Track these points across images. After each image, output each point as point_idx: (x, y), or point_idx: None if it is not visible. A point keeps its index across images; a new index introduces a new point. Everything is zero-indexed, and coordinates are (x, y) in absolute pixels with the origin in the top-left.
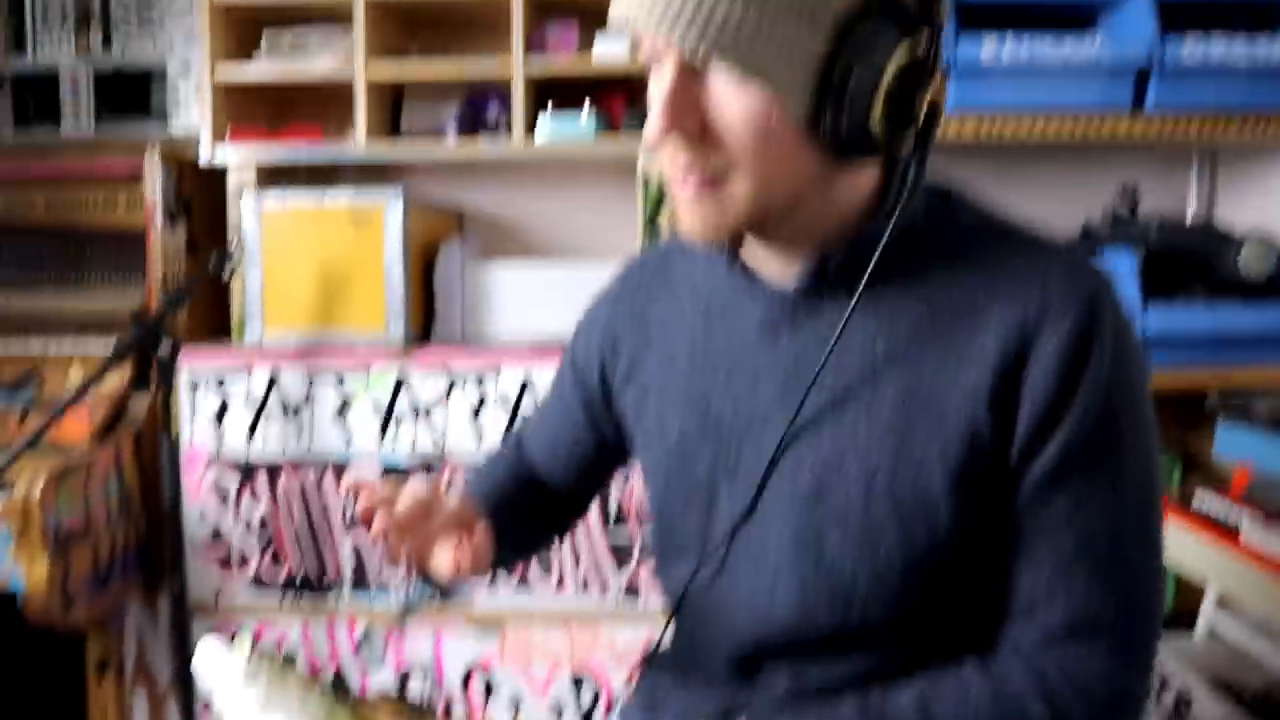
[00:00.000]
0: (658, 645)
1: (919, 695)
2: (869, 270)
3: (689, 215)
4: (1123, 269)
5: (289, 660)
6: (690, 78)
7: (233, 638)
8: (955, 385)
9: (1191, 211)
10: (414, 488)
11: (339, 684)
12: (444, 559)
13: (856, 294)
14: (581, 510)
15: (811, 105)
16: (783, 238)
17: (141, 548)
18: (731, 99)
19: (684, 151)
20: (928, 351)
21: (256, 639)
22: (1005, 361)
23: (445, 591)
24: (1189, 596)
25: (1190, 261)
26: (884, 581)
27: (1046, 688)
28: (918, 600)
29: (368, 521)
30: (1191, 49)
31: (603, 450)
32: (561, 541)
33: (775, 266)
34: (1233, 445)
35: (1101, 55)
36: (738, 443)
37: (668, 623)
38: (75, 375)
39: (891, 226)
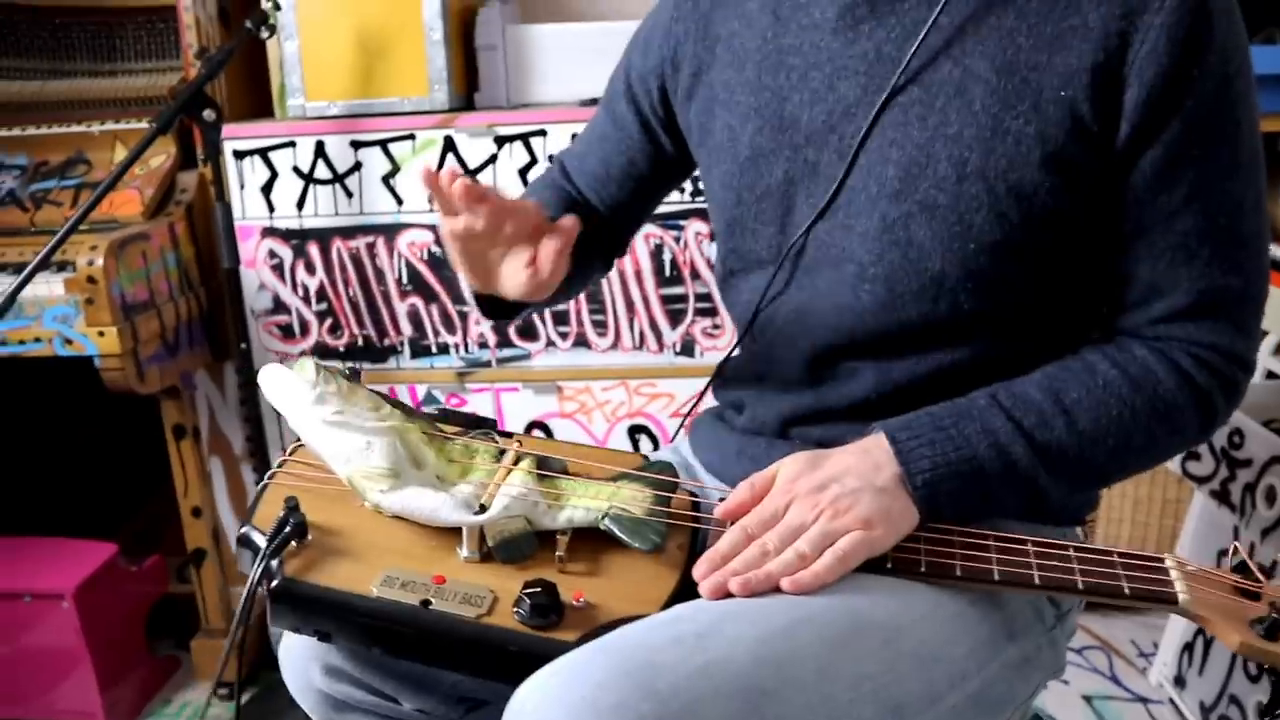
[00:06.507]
0: (725, 360)
1: (1045, 382)
2: None
3: None
4: None
5: (353, 375)
6: None
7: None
8: (1052, 67)
9: None
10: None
11: (403, 406)
12: (514, 275)
13: None
14: (626, 240)
15: None
16: None
17: (205, 319)
18: None
19: None
20: (1020, 35)
21: (316, 357)
22: (1108, 41)
23: (507, 316)
24: None
25: None
26: (974, 269)
27: (1173, 360)
28: (1006, 289)
29: (448, 208)
30: None
31: (659, 168)
32: (605, 273)
33: None
34: None
35: None
36: (817, 145)
37: (742, 336)
38: (122, 154)
39: None
